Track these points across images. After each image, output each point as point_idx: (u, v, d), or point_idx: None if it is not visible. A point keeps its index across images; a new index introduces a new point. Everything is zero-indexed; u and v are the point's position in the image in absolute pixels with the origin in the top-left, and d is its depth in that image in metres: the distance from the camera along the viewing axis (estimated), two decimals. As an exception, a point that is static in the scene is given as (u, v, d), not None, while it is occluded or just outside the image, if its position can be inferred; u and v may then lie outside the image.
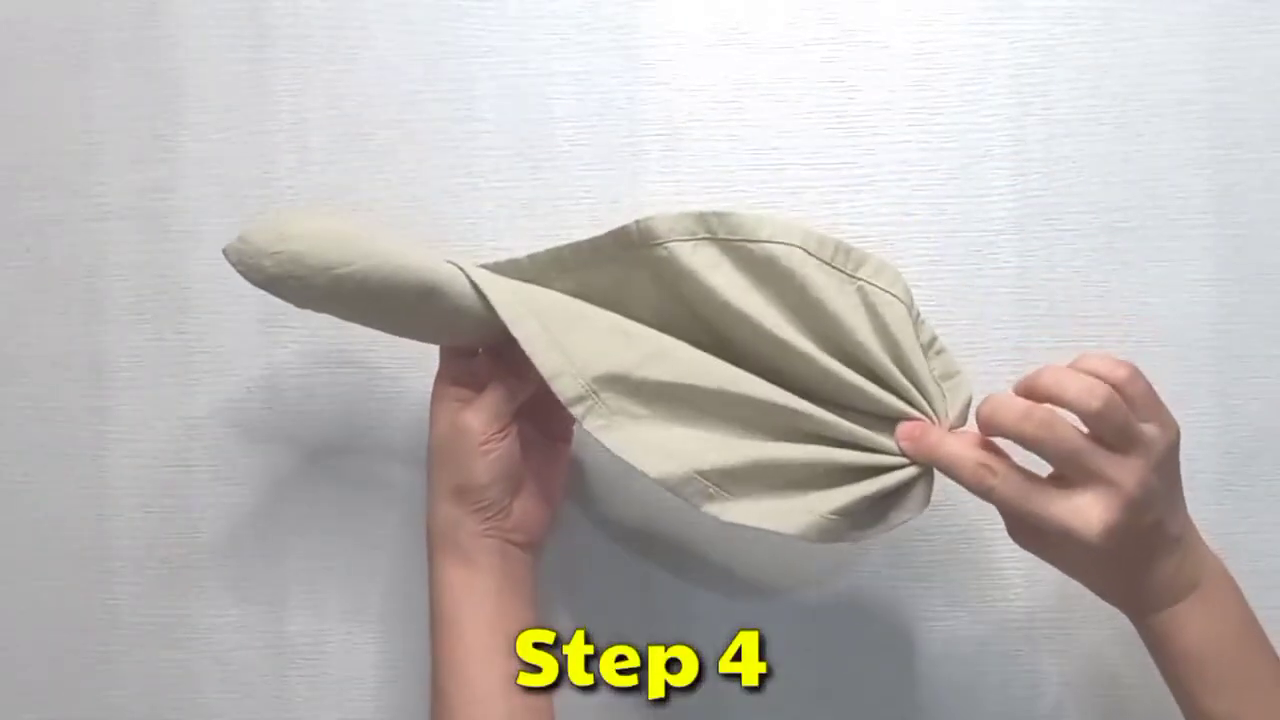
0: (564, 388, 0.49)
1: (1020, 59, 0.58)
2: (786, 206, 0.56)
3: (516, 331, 0.49)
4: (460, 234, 0.59)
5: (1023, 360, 0.58)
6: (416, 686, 0.60)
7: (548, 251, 0.53)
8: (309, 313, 0.59)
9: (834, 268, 0.50)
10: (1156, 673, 0.50)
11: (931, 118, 0.58)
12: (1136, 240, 0.58)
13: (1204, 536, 0.56)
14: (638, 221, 0.50)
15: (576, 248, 0.52)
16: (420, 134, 0.59)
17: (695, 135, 0.59)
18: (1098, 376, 0.45)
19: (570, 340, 0.50)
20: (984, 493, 0.45)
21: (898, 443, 0.49)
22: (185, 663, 0.61)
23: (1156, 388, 0.50)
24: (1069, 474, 0.45)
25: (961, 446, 0.47)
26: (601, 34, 0.59)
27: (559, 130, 0.59)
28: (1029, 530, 0.49)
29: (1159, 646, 0.48)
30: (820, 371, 0.50)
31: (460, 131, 0.59)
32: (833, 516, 0.48)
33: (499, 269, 0.53)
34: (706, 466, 0.48)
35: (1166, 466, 0.46)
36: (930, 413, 0.50)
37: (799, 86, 0.59)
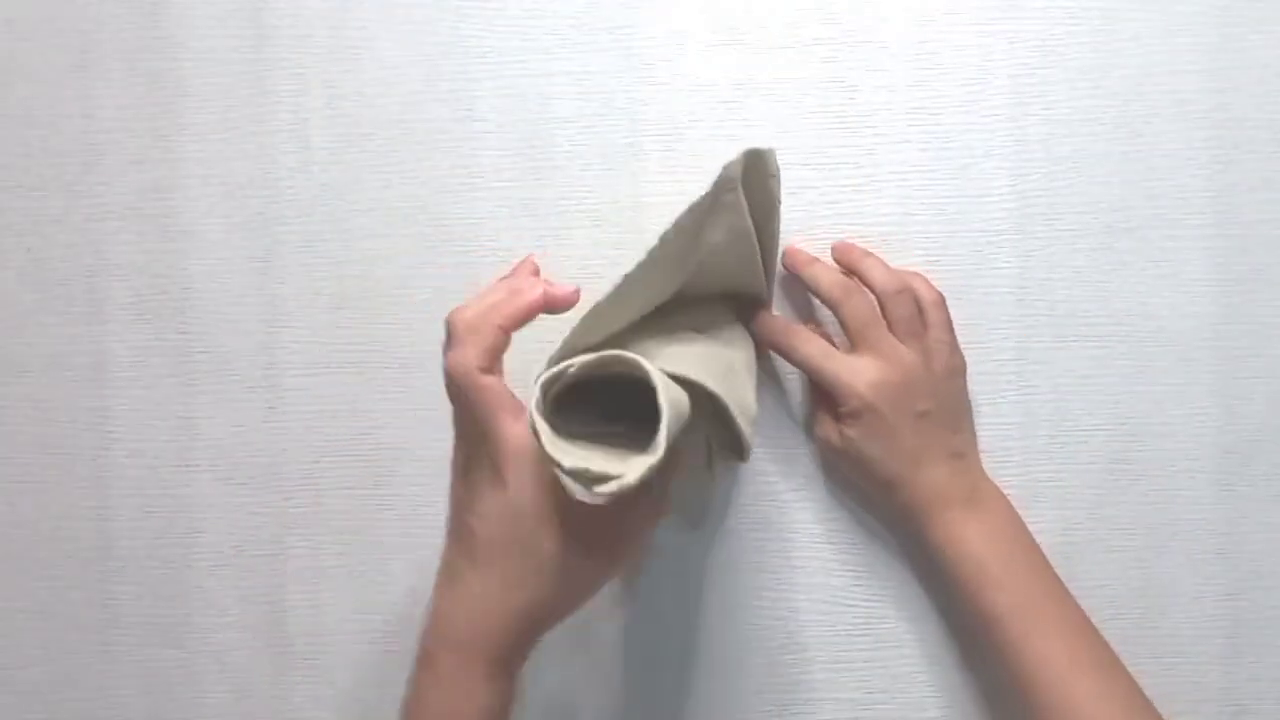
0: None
1: (1020, 59, 0.58)
2: (787, 206, 0.56)
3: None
4: (460, 234, 0.59)
5: (1023, 360, 0.58)
6: (416, 686, 0.60)
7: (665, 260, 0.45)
8: (310, 312, 0.60)
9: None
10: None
11: (931, 118, 0.58)
12: (1136, 240, 0.58)
13: (1204, 536, 0.59)
14: (725, 167, 0.46)
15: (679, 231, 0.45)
16: (420, 134, 0.59)
17: (695, 135, 0.59)
18: (912, 287, 0.55)
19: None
20: (785, 349, 0.55)
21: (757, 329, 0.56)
22: (185, 663, 0.61)
23: (1157, 388, 0.57)
24: (858, 344, 0.54)
25: (779, 321, 0.57)
26: (601, 34, 0.59)
27: (559, 130, 0.59)
28: (834, 450, 0.56)
29: (946, 548, 0.54)
30: (755, 276, 0.54)
31: (460, 131, 0.59)
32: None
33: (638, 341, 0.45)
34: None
35: (945, 384, 0.54)
36: None
37: (799, 86, 0.59)
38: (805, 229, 0.58)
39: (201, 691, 0.60)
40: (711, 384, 0.43)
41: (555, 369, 0.40)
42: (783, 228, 0.56)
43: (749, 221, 0.50)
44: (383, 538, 0.60)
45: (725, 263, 0.51)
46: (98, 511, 0.61)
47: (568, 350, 0.42)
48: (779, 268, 0.58)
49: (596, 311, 0.42)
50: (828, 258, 0.58)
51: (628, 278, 0.43)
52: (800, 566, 0.59)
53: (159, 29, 0.60)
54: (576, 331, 0.42)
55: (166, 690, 0.61)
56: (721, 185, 0.46)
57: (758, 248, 0.52)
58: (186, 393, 0.60)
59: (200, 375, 0.60)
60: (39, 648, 0.61)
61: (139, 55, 0.60)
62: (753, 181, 0.50)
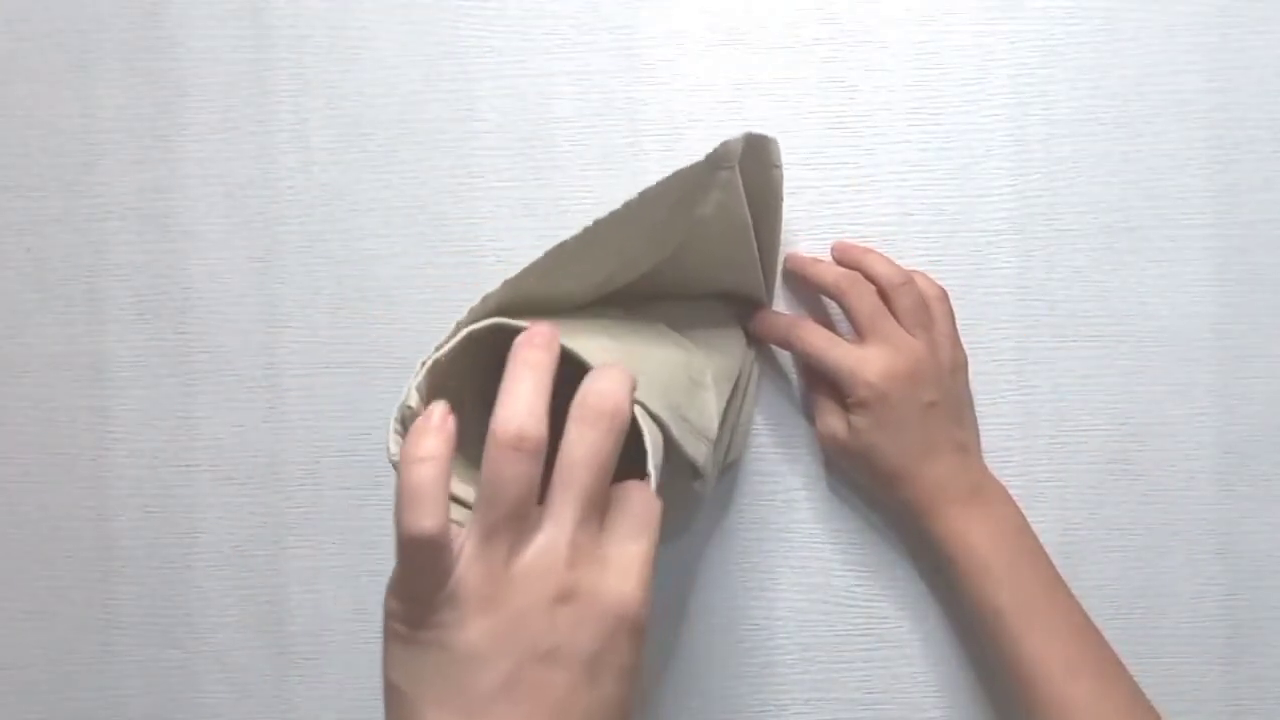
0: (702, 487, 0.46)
1: (1020, 59, 0.58)
2: (787, 206, 0.56)
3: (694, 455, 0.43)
4: (460, 234, 0.59)
5: (1023, 360, 0.58)
6: (416, 686, 0.60)
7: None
8: (309, 312, 0.60)
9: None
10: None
11: (931, 118, 0.58)
12: (1136, 240, 0.58)
13: (1204, 537, 0.58)
14: (724, 143, 0.44)
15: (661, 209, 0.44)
16: (420, 134, 0.59)
17: (695, 135, 0.59)
18: (915, 281, 0.55)
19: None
20: (791, 342, 0.55)
21: (754, 328, 0.57)
22: (185, 663, 0.61)
23: (1157, 388, 0.58)
24: (866, 334, 0.54)
25: (783, 316, 0.57)
26: (601, 34, 0.59)
27: (559, 130, 0.59)
28: (839, 443, 0.55)
29: (948, 542, 0.54)
30: (752, 276, 0.54)
31: (460, 131, 0.59)
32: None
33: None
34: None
35: (951, 377, 0.55)
36: None
37: (799, 86, 0.59)
38: (805, 229, 0.58)
39: (201, 691, 0.61)
40: (652, 399, 0.40)
41: (479, 324, 0.39)
42: (783, 227, 0.56)
43: (745, 209, 0.48)
44: (383, 538, 0.60)
45: (715, 247, 0.49)
46: (98, 511, 0.61)
47: (510, 292, 0.38)
48: (780, 270, 0.58)
49: (559, 251, 0.39)
50: (828, 259, 0.58)
51: (597, 223, 0.40)
52: (800, 566, 0.59)
53: (159, 29, 0.60)
54: (529, 271, 0.38)
55: (166, 690, 0.61)
56: (717, 158, 0.44)
57: (755, 243, 0.51)
58: (186, 393, 0.60)
59: (200, 375, 0.60)
60: (39, 648, 0.61)
61: (139, 55, 0.60)
62: (753, 169, 0.48)
